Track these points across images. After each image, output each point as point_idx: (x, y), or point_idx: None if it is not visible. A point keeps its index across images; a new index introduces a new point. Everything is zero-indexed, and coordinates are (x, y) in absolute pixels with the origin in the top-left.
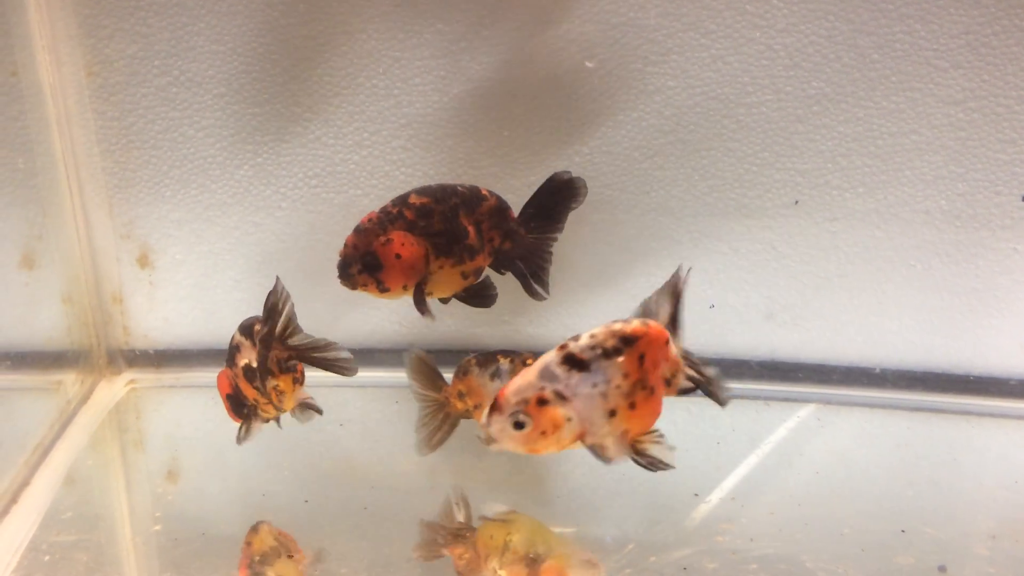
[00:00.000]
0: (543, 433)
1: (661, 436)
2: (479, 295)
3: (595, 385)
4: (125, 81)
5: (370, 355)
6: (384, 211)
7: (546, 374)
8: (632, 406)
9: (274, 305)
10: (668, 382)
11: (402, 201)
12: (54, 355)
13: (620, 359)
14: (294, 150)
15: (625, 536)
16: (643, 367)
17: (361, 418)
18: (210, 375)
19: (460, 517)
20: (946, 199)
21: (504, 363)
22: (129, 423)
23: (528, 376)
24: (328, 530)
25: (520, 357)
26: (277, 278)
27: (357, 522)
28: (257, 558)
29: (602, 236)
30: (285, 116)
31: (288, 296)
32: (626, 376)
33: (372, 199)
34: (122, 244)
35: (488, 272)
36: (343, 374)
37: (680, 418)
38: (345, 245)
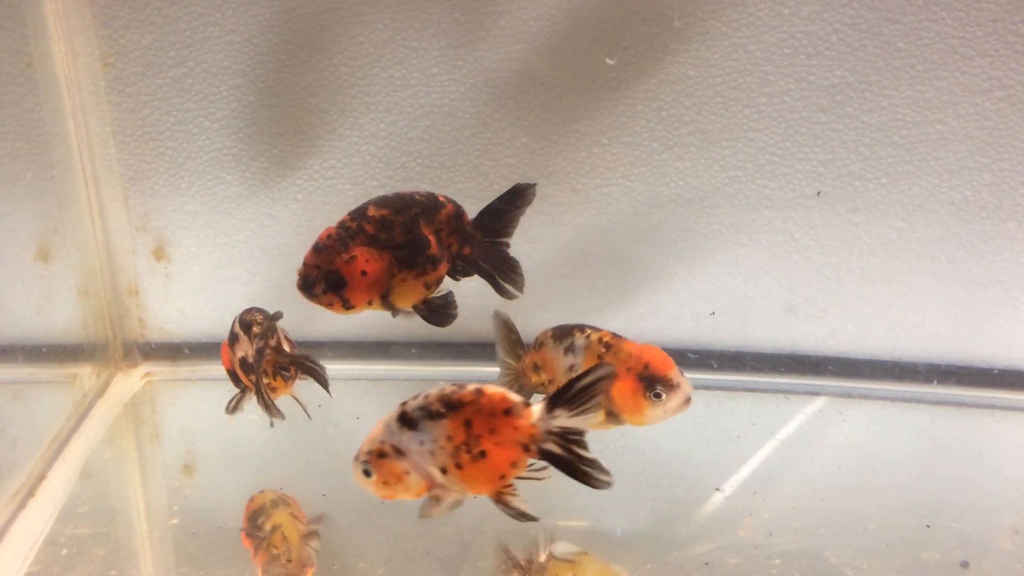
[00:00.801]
0: (386, 483)
1: (516, 491)
2: (441, 311)
3: (422, 443)
4: (140, 72)
5: (385, 349)
6: (343, 226)
7: (387, 429)
8: (458, 466)
9: (263, 333)
10: (527, 448)
11: (361, 214)
12: (70, 348)
13: (444, 422)
14: (310, 141)
15: (645, 531)
16: (471, 432)
17: (378, 412)
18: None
19: (533, 555)
20: (972, 190)
21: (579, 338)
22: (145, 416)
23: (377, 428)
24: (345, 524)
25: (598, 332)
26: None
27: (375, 516)
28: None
29: (621, 228)
30: (301, 107)
31: (272, 326)
32: (449, 439)
33: (388, 190)
34: (138, 236)
35: (451, 287)
36: (322, 384)
37: (699, 412)
38: (305, 264)
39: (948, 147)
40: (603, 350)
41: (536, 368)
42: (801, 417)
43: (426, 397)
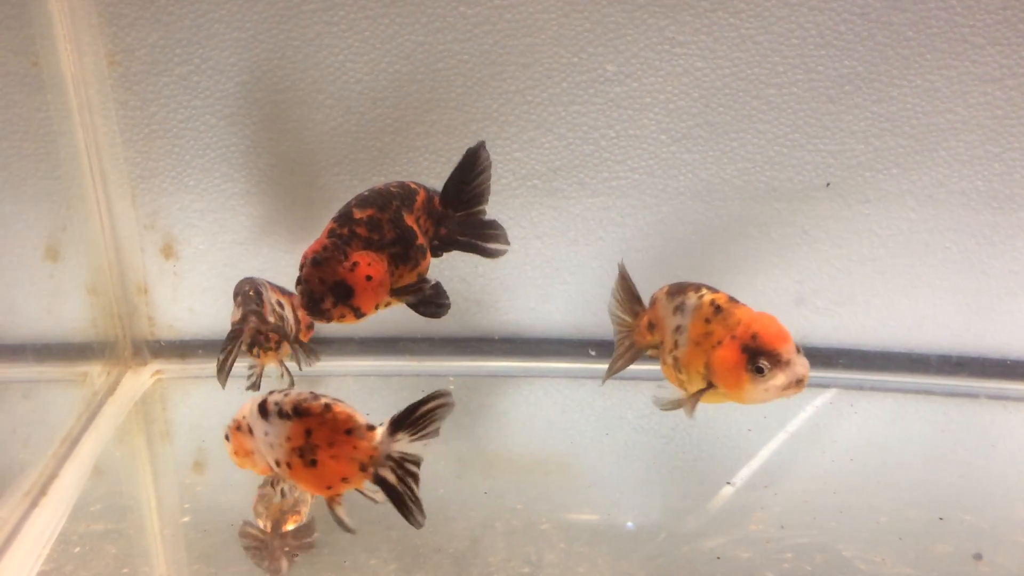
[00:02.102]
0: (236, 452)
1: (341, 502)
2: (433, 302)
3: (266, 434)
4: (147, 70)
5: (394, 344)
6: (334, 234)
7: (251, 410)
8: (289, 466)
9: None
10: (364, 467)
11: (347, 219)
12: (80, 347)
13: (288, 424)
14: (317, 138)
15: (657, 525)
16: (309, 440)
17: (387, 407)
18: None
19: None
20: (983, 180)
21: (692, 297)
22: (156, 414)
23: (247, 404)
24: (356, 520)
25: (713, 294)
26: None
27: (385, 512)
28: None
29: (629, 221)
30: (308, 104)
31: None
32: (288, 439)
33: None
34: (146, 234)
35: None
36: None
37: (710, 405)
38: (306, 281)
39: (958, 137)
40: (712, 313)
41: (651, 327)
42: (812, 409)
43: (286, 395)
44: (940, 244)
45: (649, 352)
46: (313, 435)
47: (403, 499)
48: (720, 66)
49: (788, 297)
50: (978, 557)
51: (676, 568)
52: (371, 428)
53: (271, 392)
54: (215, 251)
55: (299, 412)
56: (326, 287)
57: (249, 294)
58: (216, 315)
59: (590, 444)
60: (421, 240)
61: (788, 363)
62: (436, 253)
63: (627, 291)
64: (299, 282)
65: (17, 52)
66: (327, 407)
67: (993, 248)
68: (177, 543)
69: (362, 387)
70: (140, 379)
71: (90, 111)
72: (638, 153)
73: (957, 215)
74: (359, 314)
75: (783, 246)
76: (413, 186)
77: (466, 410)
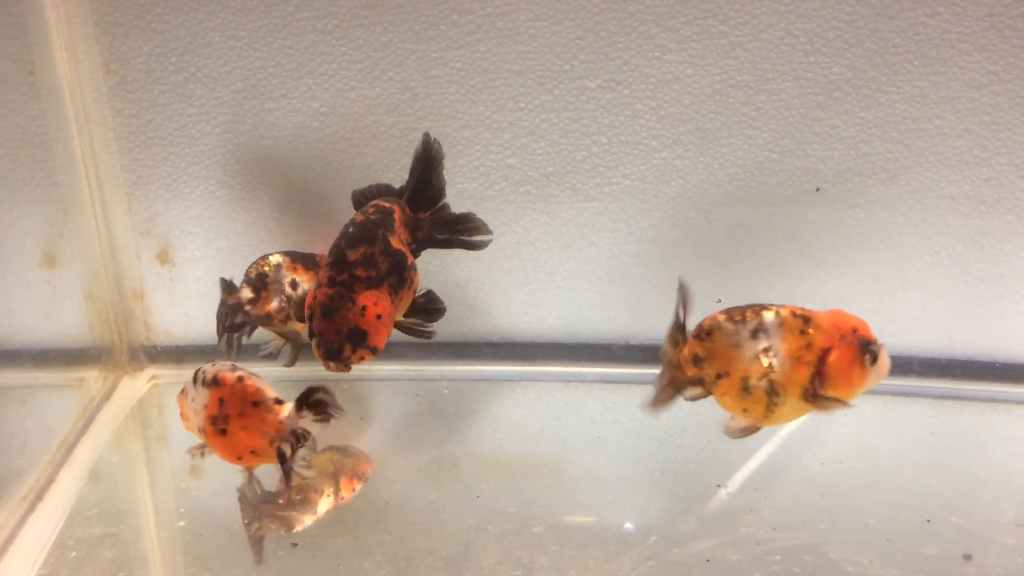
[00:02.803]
0: (183, 414)
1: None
2: (424, 310)
3: (193, 400)
4: (142, 78)
5: (390, 349)
6: (335, 282)
7: (192, 377)
8: (202, 431)
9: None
10: (272, 442)
11: (343, 263)
12: (77, 352)
13: (207, 391)
14: (312, 144)
15: (648, 528)
16: (222, 409)
17: (382, 412)
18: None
19: None
20: (971, 184)
21: (768, 316)
22: (152, 419)
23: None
24: (350, 523)
25: (781, 307)
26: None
27: (379, 516)
28: None
29: (621, 226)
30: (302, 111)
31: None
32: (205, 407)
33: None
34: (142, 241)
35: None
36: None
37: (702, 408)
38: (321, 334)
39: (946, 142)
40: (803, 324)
41: (697, 361)
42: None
43: (213, 365)
44: (929, 248)
45: (691, 394)
46: (225, 404)
47: (289, 467)
48: (710, 73)
49: (779, 301)
50: (968, 558)
51: (667, 570)
52: (279, 402)
53: (212, 363)
54: (210, 257)
55: (216, 382)
56: (342, 337)
57: (249, 275)
58: (211, 320)
59: (582, 448)
60: (411, 259)
61: (881, 343)
62: (415, 255)
63: (676, 318)
64: (312, 334)
65: (14, 61)
66: (240, 379)
67: (981, 252)
68: (173, 547)
69: (357, 392)
70: (136, 384)
71: (86, 119)
72: (630, 159)
73: (945, 219)
74: (376, 351)
75: (774, 250)
76: (388, 205)
77: (460, 414)
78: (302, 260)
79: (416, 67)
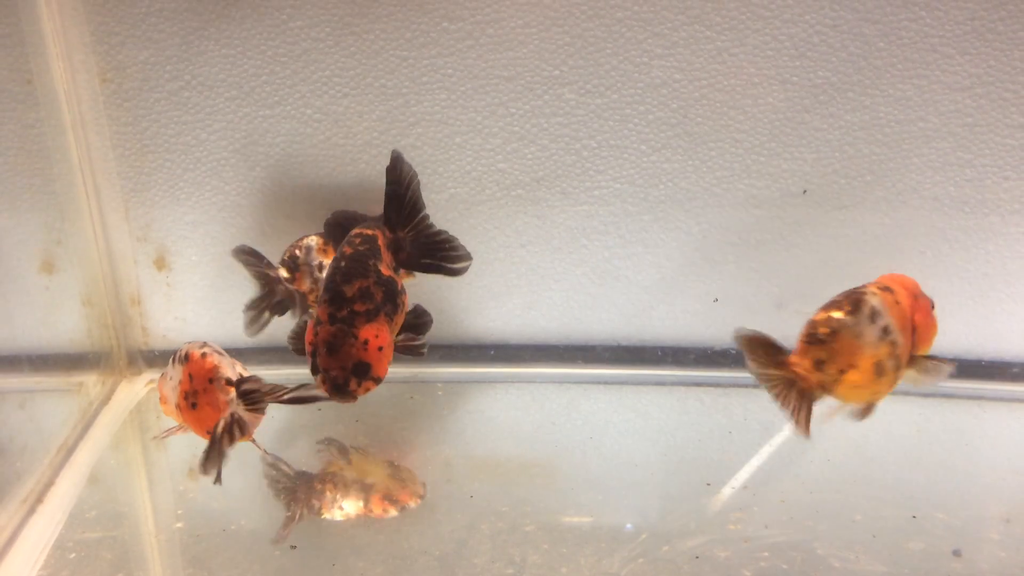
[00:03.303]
0: (162, 397)
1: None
2: (417, 323)
3: (170, 379)
4: (138, 87)
5: None
6: (335, 319)
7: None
8: (178, 407)
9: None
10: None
11: (341, 299)
12: (75, 357)
13: (180, 368)
14: (305, 151)
15: (638, 526)
16: (192, 384)
17: (375, 414)
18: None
19: None
20: (955, 185)
21: (872, 299)
22: (150, 422)
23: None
24: (344, 524)
25: (870, 287)
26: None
27: (373, 516)
28: None
29: (612, 229)
30: (296, 118)
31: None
32: (180, 383)
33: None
34: (139, 247)
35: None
36: None
37: (692, 408)
38: (327, 370)
39: (930, 144)
40: (894, 295)
41: (819, 364)
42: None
43: (190, 345)
44: (914, 248)
45: (826, 389)
46: (193, 380)
47: (216, 447)
48: (697, 78)
49: (767, 301)
50: (957, 553)
51: (656, 568)
52: (230, 383)
53: (189, 344)
54: (207, 262)
55: (187, 358)
56: (347, 372)
57: (284, 257)
58: (208, 324)
59: (575, 448)
60: (400, 283)
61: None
62: (397, 271)
63: (765, 349)
64: (316, 370)
65: (12, 70)
66: (203, 355)
67: (966, 252)
68: (172, 549)
69: None
70: (135, 388)
71: (83, 127)
72: (619, 163)
73: (930, 220)
74: (380, 382)
75: (762, 252)
76: (371, 232)
77: (454, 415)
78: (334, 241)
79: (408, 74)
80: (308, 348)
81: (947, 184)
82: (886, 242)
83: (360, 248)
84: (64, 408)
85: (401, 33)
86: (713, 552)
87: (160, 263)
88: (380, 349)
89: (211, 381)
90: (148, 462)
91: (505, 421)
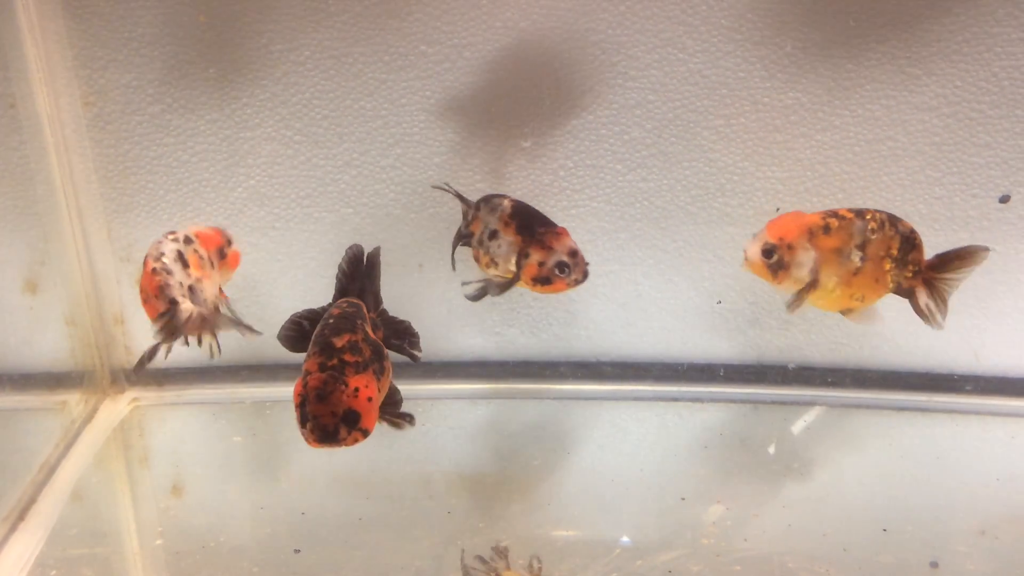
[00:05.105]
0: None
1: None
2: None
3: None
4: (120, 110)
5: None
6: (324, 366)
7: None
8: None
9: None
10: None
11: (331, 349)
12: (58, 376)
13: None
14: (286, 172)
15: (613, 540)
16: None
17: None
18: (211, 392)
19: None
20: (924, 203)
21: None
22: (133, 440)
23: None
24: (325, 540)
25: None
26: None
27: (352, 532)
28: None
29: (588, 247)
30: (276, 139)
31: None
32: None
33: (363, 217)
34: (122, 267)
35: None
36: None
37: (670, 422)
38: (316, 417)
39: (899, 163)
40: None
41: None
42: (766, 426)
43: (156, 246)
44: None
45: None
46: (144, 290)
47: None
48: (671, 99)
49: (743, 318)
50: (934, 565)
51: None
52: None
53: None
54: None
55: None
56: (337, 419)
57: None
58: (191, 343)
59: (552, 464)
60: (386, 352)
61: None
62: None
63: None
64: (305, 420)
65: None
66: (153, 271)
67: None
68: (154, 565)
69: None
70: (118, 407)
71: (66, 150)
72: (595, 182)
73: None
74: (367, 433)
75: (737, 269)
76: (356, 301)
77: (433, 433)
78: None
79: (386, 96)
80: (296, 400)
81: (916, 201)
82: None
83: (348, 310)
84: (47, 427)
85: (380, 56)
86: (686, 566)
87: None
88: (369, 400)
89: (156, 297)
90: (131, 480)
91: (483, 438)
